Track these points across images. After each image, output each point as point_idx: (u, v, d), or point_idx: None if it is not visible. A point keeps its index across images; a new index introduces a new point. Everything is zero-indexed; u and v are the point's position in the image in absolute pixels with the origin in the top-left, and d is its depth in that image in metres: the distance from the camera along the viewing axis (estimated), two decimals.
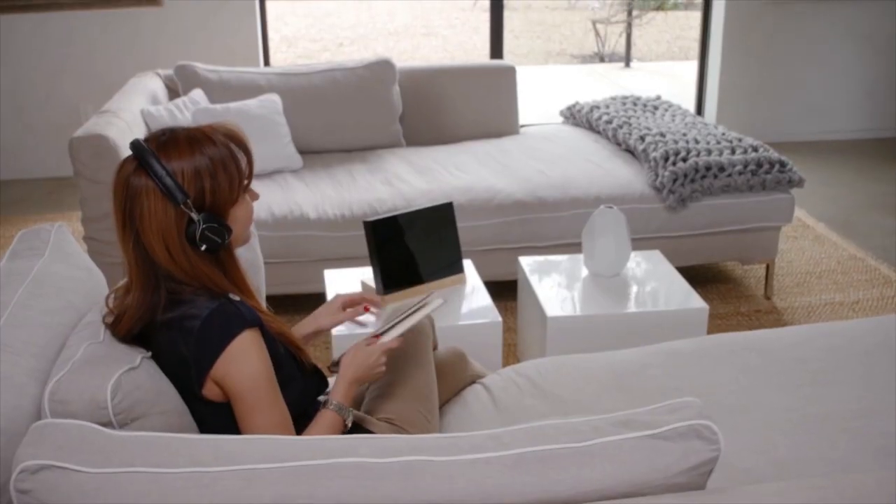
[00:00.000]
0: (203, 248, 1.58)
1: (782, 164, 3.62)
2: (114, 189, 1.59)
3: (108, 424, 1.46)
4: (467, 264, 3.08)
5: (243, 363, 1.57)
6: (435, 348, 2.23)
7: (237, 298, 1.65)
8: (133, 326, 1.60)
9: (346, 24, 12.52)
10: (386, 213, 3.29)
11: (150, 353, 1.61)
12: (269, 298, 1.87)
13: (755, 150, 3.68)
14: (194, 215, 1.56)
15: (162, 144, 1.57)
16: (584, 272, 3.07)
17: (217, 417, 1.63)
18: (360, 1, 14.29)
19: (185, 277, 1.59)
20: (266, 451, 1.17)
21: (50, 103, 5.33)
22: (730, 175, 3.57)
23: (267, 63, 5.62)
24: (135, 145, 1.57)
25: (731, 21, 5.71)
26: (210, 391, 1.59)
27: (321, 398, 1.82)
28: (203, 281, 1.60)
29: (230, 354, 1.56)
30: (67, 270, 1.85)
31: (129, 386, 1.50)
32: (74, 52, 5.27)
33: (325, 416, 1.74)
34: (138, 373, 1.53)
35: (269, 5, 5.64)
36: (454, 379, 2.25)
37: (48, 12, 5.18)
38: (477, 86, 4.38)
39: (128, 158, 1.59)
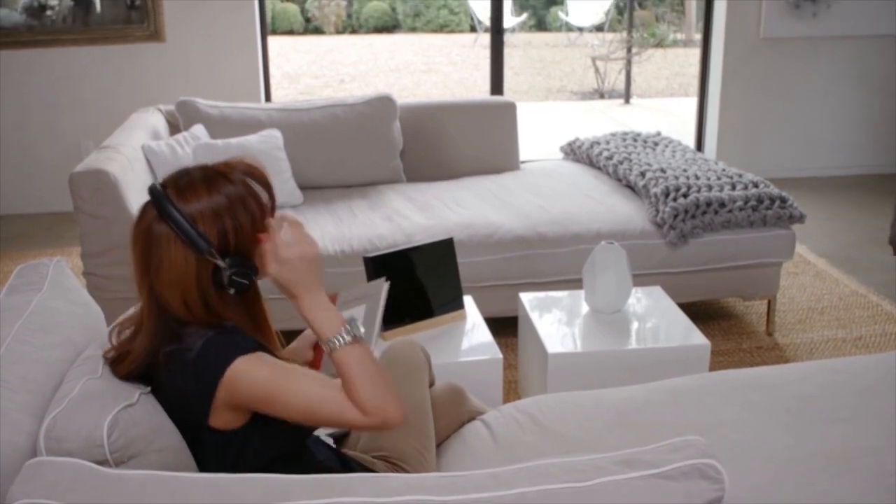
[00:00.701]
0: (232, 291, 1.56)
1: (783, 200, 3.62)
2: (133, 236, 1.57)
3: (104, 462, 1.44)
4: (468, 300, 3.07)
5: (248, 379, 1.51)
6: (431, 384, 2.21)
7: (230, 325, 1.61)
8: (135, 369, 1.59)
9: (347, 61, 12.62)
10: (386, 248, 3.29)
11: (148, 389, 1.60)
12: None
13: (755, 185, 3.68)
14: (220, 262, 1.53)
15: (180, 188, 1.54)
16: (585, 308, 3.05)
17: (224, 447, 1.59)
18: (361, 37, 14.42)
19: (200, 324, 1.57)
20: (264, 491, 1.16)
21: (51, 139, 5.35)
22: (730, 211, 3.57)
23: (268, 99, 5.65)
24: (153, 192, 1.55)
25: (729, 58, 5.75)
26: (217, 420, 1.55)
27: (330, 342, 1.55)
28: (222, 324, 1.58)
29: (230, 380, 1.51)
30: (66, 306, 1.83)
31: (126, 423, 1.48)
32: (76, 88, 5.30)
33: (338, 359, 1.52)
34: (136, 409, 1.52)
35: (270, 42, 5.68)
36: (452, 415, 2.22)
37: (51, 48, 5.21)
38: (477, 122, 4.39)
39: (148, 204, 1.56)
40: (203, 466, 1.62)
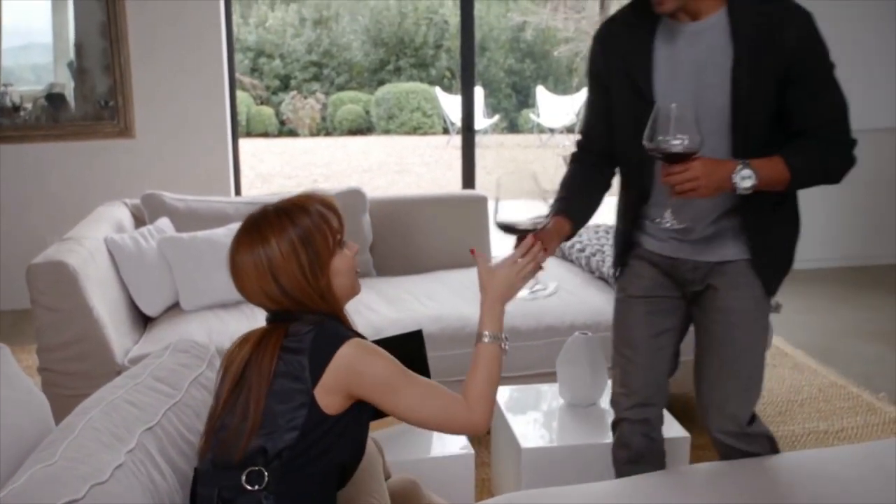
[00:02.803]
0: None
1: None
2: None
3: None
4: None
5: (362, 361, 1.69)
6: (387, 478, 2.12)
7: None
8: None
9: (321, 162, 12.70)
10: None
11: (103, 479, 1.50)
12: None
13: None
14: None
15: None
16: (560, 401, 2.96)
17: (332, 431, 1.70)
18: (335, 139, 14.56)
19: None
20: None
21: (17, 234, 5.25)
22: None
23: (238, 195, 5.61)
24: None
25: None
26: (324, 398, 1.68)
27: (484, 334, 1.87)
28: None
29: (343, 360, 1.68)
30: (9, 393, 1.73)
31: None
32: (45, 184, 5.24)
33: (484, 351, 1.83)
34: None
35: (245, 143, 5.69)
36: None
37: (20, 144, 5.17)
38: (448, 215, 4.35)
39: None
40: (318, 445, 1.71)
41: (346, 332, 1.74)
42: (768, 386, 4.02)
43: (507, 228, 1.98)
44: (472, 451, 2.60)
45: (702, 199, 2.07)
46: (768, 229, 2.26)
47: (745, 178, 2.02)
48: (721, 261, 2.24)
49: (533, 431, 2.78)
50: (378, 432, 2.47)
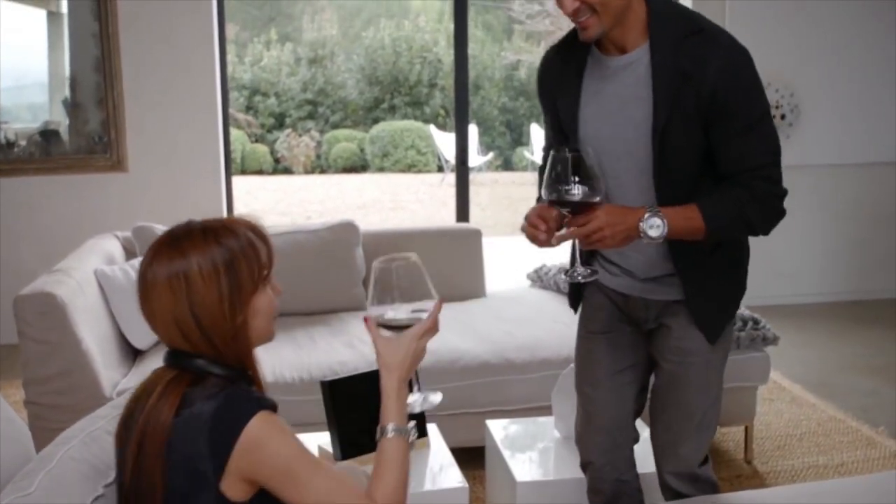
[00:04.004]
0: None
1: (755, 322, 3.54)
2: None
3: None
4: (431, 429, 2.91)
5: (268, 443, 1.47)
6: None
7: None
8: None
9: (315, 199, 12.70)
10: (347, 374, 3.14)
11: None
12: None
13: None
14: None
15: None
16: (555, 435, 2.91)
17: None
18: (330, 177, 14.57)
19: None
20: None
21: (9, 268, 5.20)
22: None
23: None
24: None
25: None
26: (231, 487, 1.47)
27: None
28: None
29: (251, 436, 1.45)
30: None
31: None
32: (37, 217, 5.20)
33: (389, 448, 1.59)
34: None
35: (240, 181, 5.68)
36: None
37: (12, 177, 5.15)
38: (442, 249, 4.31)
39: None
40: None
41: (254, 401, 1.49)
42: (765, 420, 3.97)
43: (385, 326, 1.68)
44: (466, 485, 2.54)
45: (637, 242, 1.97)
46: (701, 277, 2.13)
47: (652, 227, 1.93)
48: (671, 300, 2.16)
49: (528, 465, 2.73)
50: (370, 466, 2.42)
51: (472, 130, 11.80)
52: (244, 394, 1.51)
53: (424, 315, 1.68)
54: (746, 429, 3.60)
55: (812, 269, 6.02)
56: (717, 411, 2.25)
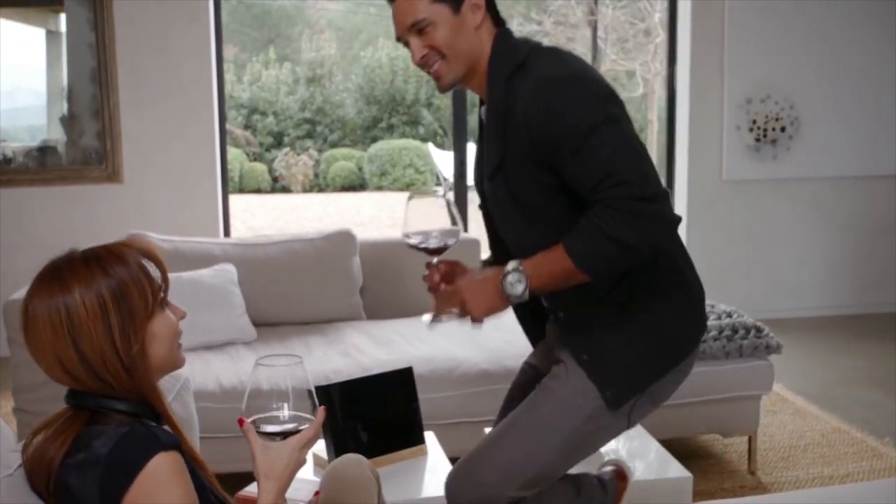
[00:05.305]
0: None
1: (758, 330, 3.49)
2: None
3: None
4: (429, 437, 2.87)
5: (163, 491, 1.35)
6: None
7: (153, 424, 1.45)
8: None
9: (313, 216, 12.67)
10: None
11: None
12: (216, 476, 1.65)
13: (729, 315, 3.56)
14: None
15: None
16: None
17: None
18: (328, 195, 14.56)
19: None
20: None
21: (3, 280, 5.14)
22: (705, 341, 3.42)
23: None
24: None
25: (693, 201, 5.75)
26: None
27: None
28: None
29: (145, 481, 1.34)
30: None
31: None
32: (32, 228, 5.15)
33: None
34: None
35: (237, 200, 5.65)
36: None
37: (7, 188, 5.10)
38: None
39: None
40: None
41: (152, 441, 1.38)
42: (768, 431, 3.91)
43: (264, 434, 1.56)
44: None
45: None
46: (587, 328, 2.00)
47: (513, 285, 1.83)
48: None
49: None
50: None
51: (471, 148, 11.80)
52: (141, 434, 1.39)
53: (305, 425, 1.54)
54: (750, 439, 3.53)
55: (813, 283, 5.97)
56: (541, 461, 2.02)
